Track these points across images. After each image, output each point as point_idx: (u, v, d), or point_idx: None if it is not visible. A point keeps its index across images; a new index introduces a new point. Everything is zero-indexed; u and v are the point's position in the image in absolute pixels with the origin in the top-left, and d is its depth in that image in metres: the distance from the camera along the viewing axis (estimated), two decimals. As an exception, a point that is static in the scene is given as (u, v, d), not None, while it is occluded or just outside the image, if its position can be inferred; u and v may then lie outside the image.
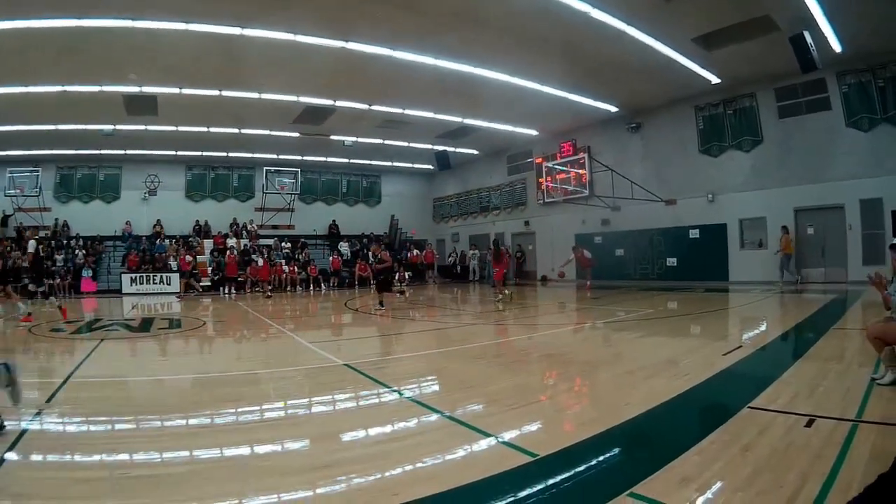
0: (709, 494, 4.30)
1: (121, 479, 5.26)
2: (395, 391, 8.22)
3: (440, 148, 37.86)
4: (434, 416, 6.82)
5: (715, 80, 25.49)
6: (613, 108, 30.32)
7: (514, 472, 4.86)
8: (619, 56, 22.14)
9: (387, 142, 36.71)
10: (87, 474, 5.43)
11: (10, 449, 5.94)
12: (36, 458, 5.86)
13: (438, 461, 5.32)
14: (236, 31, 19.56)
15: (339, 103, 28.03)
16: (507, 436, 5.87)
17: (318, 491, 4.73)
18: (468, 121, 31.70)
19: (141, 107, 28.33)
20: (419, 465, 5.22)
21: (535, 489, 4.46)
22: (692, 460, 4.93)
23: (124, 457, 5.76)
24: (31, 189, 37.97)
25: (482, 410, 7.11)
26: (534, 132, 35.12)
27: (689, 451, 5.12)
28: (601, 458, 5.28)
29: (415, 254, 43.44)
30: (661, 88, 27.19)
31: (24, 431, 6.61)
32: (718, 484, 4.45)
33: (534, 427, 6.36)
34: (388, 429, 6.51)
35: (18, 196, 38.03)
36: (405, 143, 37.33)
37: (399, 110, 29.29)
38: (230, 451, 5.90)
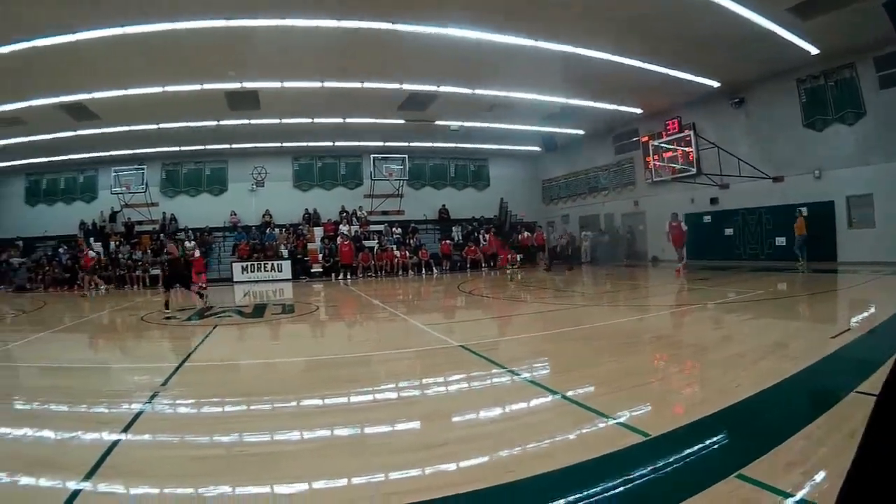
0: (814, 480, 4.34)
1: (238, 457, 5.65)
2: (508, 371, 8.39)
3: (546, 129, 37.74)
4: (547, 396, 6.99)
5: (814, 50, 24.52)
6: (715, 84, 29.40)
7: (626, 451, 5.02)
8: (716, 30, 21.59)
9: (493, 125, 36.35)
10: (203, 453, 5.81)
11: (127, 430, 6.35)
12: (152, 438, 6.24)
13: (552, 439, 5.50)
14: (332, 23, 19.88)
15: (443, 89, 28.15)
16: (619, 415, 5.99)
17: (433, 468, 4.97)
18: (572, 101, 31.22)
19: (243, 102, 29.12)
20: (533, 443, 5.40)
21: (646, 469, 4.60)
22: (798, 445, 4.97)
23: (239, 437, 6.13)
24: (138, 186, 39.62)
25: (594, 391, 7.23)
26: (638, 110, 34.47)
27: (795, 436, 5.16)
28: (710, 439, 5.36)
29: (525, 236, 42.98)
30: (761, 61, 26.30)
31: (139, 413, 7.04)
32: (824, 470, 4.50)
33: (644, 408, 6.47)
34: (502, 408, 6.73)
35: (125, 193, 39.75)
36: (511, 126, 36.88)
37: (503, 93, 29.11)
38: (343, 431, 6.18)
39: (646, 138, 35.74)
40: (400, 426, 6.28)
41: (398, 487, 4.60)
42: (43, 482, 5.06)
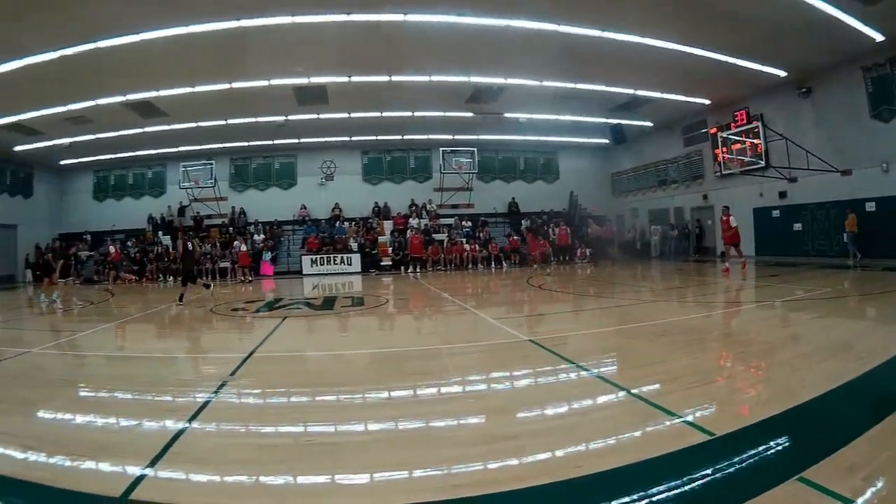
0: (876, 485, 4.27)
1: (304, 446, 5.74)
2: (577, 366, 8.35)
3: (614, 121, 37.39)
4: (614, 392, 6.96)
5: (878, 37, 23.57)
6: (782, 73, 28.53)
7: (691, 450, 4.97)
8: (781, 16, 21.09)
9: (561, 117, 36.04)
10: (270, 441, 5.95)
11: (194, 418, 6.49)
12: (219, 426, 6.38)
13: (619, 436, 5.45)
14: (398, 17, 20.01)
15: (510, 81, 27.99)
16: (685, 414, 5.93)
17: (500, 462, 4.96)
18: (640, 92, 30.74)
19: (311, 97, 29.38)
20: (600, 439, 5.39)
21: (710, 468, 4.56)
22: (861, 448, 4.86)
23: (306, 427, 6.24)
24: (206, 181, 40.34)
25: (660, 388, 7.12)
26: (706, 101, 33.69)
27: (859, 439, 5.04)
28: (774, 440, 5.24)
29: (595, 230, 42.53)
30: (827, 50, 25.45)
31: (207, 402, 7.21)
32: (885, 475, 4.41)
33: (709, 406, 6.39)
34: (569, 403, 6.70)
35: (194, 188, 40.61)
36: (578, 118, 36.57)
37: (570, 84, 28.83)
38: (410, 423, 6.20)
39: (714, 130, 34.99)
40: (467, 419, 6.29)
41: (464, 480, 4.62)
42: (108, 467, 5.19)
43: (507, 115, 35.09)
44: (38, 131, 32.50)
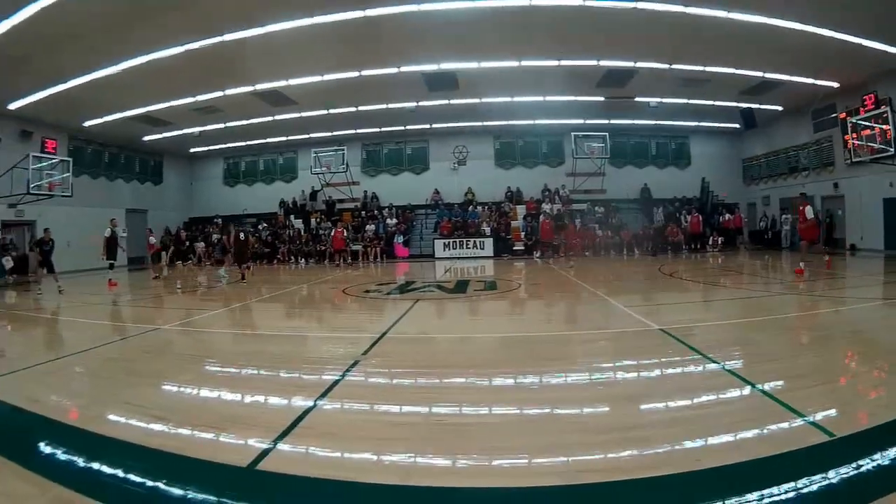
0: None
1: (432, 425, 5.84)
2: (704, 357, 8.18)
3: (745, 105, 36.58)
4: (738, 386, 6.78)
5: None
6: None
7: (810, 449, 4.81)
8: None
9: (691, 101, 34.90)
10: (399, 419, 6.08)
11: (325, 395, 6.70)
12: (350, 403, 6.56)
13: (740, 431, 5.30)
14: (524, 2, 19.76)
15: (640, 64, 27.39)
16: (807, 412, 5.70)
17: (622, 451, 4.95)
18: (768, 75, 29.46)
19: (441, 83, 29.50)
20: (722, 433, 5.27)
21: (829, 470, 4.39)
22: None
23: (435, 406, 6.35)
24: (338, 166, 40.61)
25: (785, 384, 6.85)
26: (834, 84, 32.35)
27: None
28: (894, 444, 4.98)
29: (727, 218, 41.01)
30: None
31: (338, 380, 7.41)
32: None
33: (833, 406, 6.11)
34: (695, 395, 6.60)
35: (325, 173, 40.96)
36: (709, 102, 35.24)
37: (699, 67, 27.90)
38: (535, 408, 6.23)
39: (843, 115, 33.05)
40: (592, 407, 6.27)
41: (587, 467, 4.62)
42: (238, 438, 5.44)
43: (637, 98, 34.36)
44: (167, 122, 33.83)
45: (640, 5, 20.01)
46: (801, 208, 21.77)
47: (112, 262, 22.61)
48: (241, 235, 23.87)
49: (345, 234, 34.94)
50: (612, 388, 7.03)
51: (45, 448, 5.46)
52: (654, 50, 25.37)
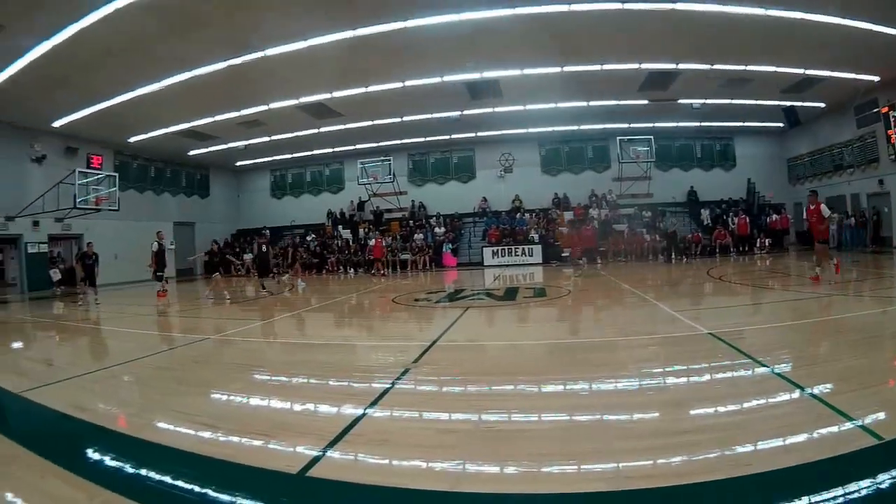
0: None
1: (482, 432, 5.82)
2: (753, 361, 8.04)
3: (787, 103, 36.17)
4: (789, 390, 6.67)
5: None
6: None
7: (859, 453, 4.70)
8: None
9: (734, 101, 34.48)
10: (450, 426, 6.06)
11: (375, 403, 6.71)
12: (400, 410, 6.56)
13: (789, 435, 5.20)
14: (563, 7, 19.68)
15: (681, 66, 27.19)
16: (855, 415, 5.56)
17: (670, 457, 4.87)
18: (809, 71, 28.97)
19: (484, 91, 29.52)
20: (771, 437, 5.17)
21: (877, 474, 4.30)
22: None
23: (485, 413, 6.30)
24: (385, 176, 40.97)
25: (834, 388, 6.70)
26: (875, 78, 31.78)
27: None
28: None
29: (774, 219, 40.17)
30: None
31: (389, 388, 7.42)
32: None
33: (882, 409, 5.89)
34: (744, 399, 6.47)
35: (372, 183, 41.38)
36: (752, 102, 34.78)
37: (740, 67, 27.63)
38: (585, 414, 6.20)
39: (885, 109, 32.34)
40: (640, 413, 6.21)
41: (636, 473, 4.62)
42: (289, 445, 5.47)
43: (680, 101, 34.14)
44: (212, 136, 34.40)
45: (679, 6, 19.90)
46: (810, 207, 19.19)
47: (160, 274, 22.83)
48: (263, 248, 24.34)
49: (383, 243, 35.31)
50: (662, 394, 7.02)
51: (93, 454, 5.55)
52: (694, 51, 25.18)
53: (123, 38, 19.22)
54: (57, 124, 29.05)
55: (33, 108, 26.52)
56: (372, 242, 35.86)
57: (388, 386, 7.47)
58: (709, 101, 33.88)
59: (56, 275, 29.39)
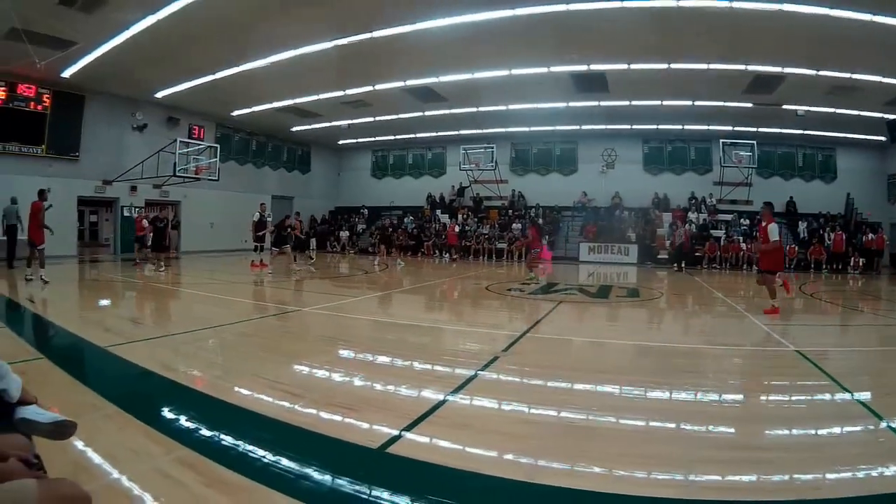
0: None
1: (561, 427, 5.79)
2: (837, 385, 7.72)
3: (891, 116, 35.18)
4: (867, 419, 6.41)
5: None
6: None
7: None
8: None
9: (837, 110, 32.71)
10: (530, 418, 6.02)
11: (460, 388, 6.74)
12: (484, 397, 6.60)
13: (863, 465, 5.04)
14: (671, 3, 19.20)
15: (787, 70, 26.01)
16: None
17: (746, 472, 4.75)
18: None
19: (590, 84, 29.07)
20: (844, 465, 5.04)
21: None
22: None
23: (566, 408, 6.24)
24: (487, 164, 40.87)
25: None
26: None
27: None
28: None
29: (869, 238, 37.74)
30: None
31: (475, 375, 7.43)
32: None
33: None
34: (822, 422, 6.30)
35: (474, 170, 41.36)
36: (854, 112, 32.80)
37: (846, 74, 26.28)
38: (663, 419, 6.08)
39: None
40: (718, 424, 6.11)
41: (709, 484, 4.55)
42: (372, 422, 5.50)
43: (785, 106, 32.81)
44: (316, 114, 34.65)
45: (785, 7, 19.39)
46: (762, 224, 15.99)
47: (260, 244, 23.11)
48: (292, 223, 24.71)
49: (456, 229, 35.65)
50: (741, 407, 6.94)
51: (172, 411, 5.77)
52: (800, 54, 24.25)
53: (231, 14, 19.44)
54: (159, 95, 29.65)
55: (137, 80, 27.14)
56: (448, 227, 36.34)
57: (474, 373, 7.47)
58: (813, 109, 32.72)
59: (149, 239, 29.87)
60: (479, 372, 7.51)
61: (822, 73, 25.26)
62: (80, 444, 4.48)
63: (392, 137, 42.66)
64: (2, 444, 2.40)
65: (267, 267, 22.79)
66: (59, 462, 3.90)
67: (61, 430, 2.92)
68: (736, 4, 18.71)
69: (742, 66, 25.00)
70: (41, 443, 2.84)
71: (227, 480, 4.11)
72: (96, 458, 4.37)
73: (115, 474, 4.13)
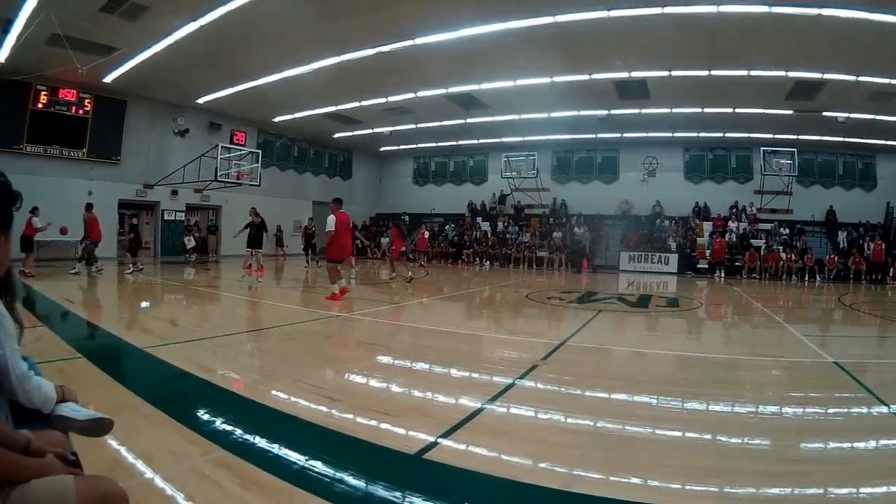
0: None
1: (604, 436, 5.74)
2: (875, 398, 7.61)
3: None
4: None
5: None
6: None
7: None
8: None
9: (877, 117, 32.23)
10: (568, 426, 6.03)
11: (499, 396, 6.71)
12: (522, 405, 6.58)
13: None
14: (712, 9, 19.09)
15: (827, 76, 25.69)
16: None
17: (773, 486, 4.68)
18: None
19: (632, 91, 29.01)
20: (880, 480, 4.95)
21: None
22: None
23: (603, 418, 6.19)
24: (528, 171, 40.85)
25: None
26: None
27: None
28: None
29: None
30: None
31: (513, 383, 7.38)
32: None
33: None
34: (859, 435, 6.22)
35: (515, 177, 41.38)
36: (894, 118, 32.50)
37: (887, 80, 25.84)
38: (700, 430, 6.06)
39: None
40: (755, 436, 6.03)
41: (745, 496, 4.51)
42: (409, 428, 5.54)
43: (826, 113, 32.39)
44: (358, 120, 34.98)
45: (825, 12, 19.20)
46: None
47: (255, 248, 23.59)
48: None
49: (426, 235, 35.39)
50: (778, 420, 6.81)
51: (210, 412, 5.85)
52: (841, 60, 24.01)
53: (273, 21, 19.64)
54: (201, 100, 30.19)
55: (179, 85, 27.62)
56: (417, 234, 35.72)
57: (512, 381, 7.43)
58: (853, 115, 32.35)
59: (190, 242, 30.91)
60: (518, 380, 7.46)
61: (861, 78, 25.00)
62: (115, 443, 4.52)
63: (434, 144, 42.93)
64: (40, 440, 2.43)
65: (264, 271, 23.01)
66: (97, 460, 3.94)
67: (98, 427, 2.93)
68: (775, 9, 18.62)
69: (782, 72, 24.80)
70: (78, 441, 2.85)
71: (263, 482, 4.14)
72: (133, 457, 4.41)
73: (152, 473, 4.16)
